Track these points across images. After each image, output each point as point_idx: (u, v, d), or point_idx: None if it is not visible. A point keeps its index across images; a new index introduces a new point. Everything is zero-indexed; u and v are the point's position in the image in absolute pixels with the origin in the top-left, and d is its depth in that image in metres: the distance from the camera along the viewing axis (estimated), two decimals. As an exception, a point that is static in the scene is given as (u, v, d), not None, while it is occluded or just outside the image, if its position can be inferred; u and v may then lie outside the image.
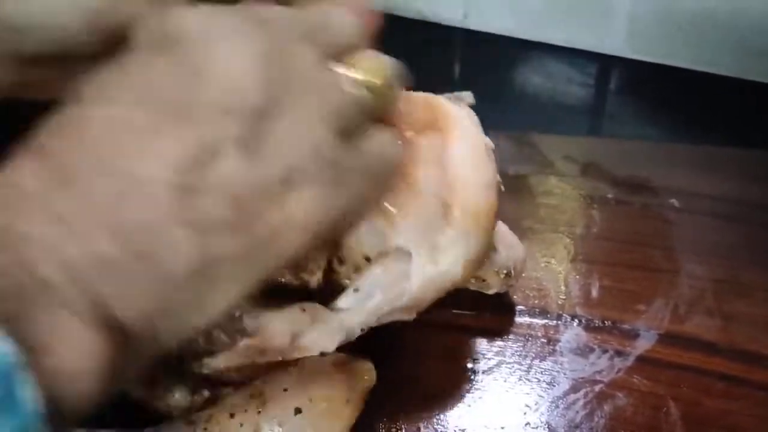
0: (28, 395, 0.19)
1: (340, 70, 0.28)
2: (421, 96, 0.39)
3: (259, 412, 0.36)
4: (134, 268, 0.23)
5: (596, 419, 0.42)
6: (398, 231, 0.38)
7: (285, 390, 0.37)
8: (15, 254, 0.22)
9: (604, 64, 0.84)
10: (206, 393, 0.39)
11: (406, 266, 0.38)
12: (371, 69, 0.29)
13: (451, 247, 0.37)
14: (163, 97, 0.25)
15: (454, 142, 0.39)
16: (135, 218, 0.24)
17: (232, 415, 0.37)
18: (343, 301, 0.39)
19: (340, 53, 0.29)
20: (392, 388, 0.41)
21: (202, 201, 0.24)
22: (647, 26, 0.81)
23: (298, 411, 0.36)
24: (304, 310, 0.38)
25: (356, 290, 0.39)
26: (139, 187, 0.24)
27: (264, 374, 0.38)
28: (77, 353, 0.22)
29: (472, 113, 0.42)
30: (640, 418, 0.42)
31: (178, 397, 0.39)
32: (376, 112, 0.30)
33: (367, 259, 0.39)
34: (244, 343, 0.37)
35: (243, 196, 0.25)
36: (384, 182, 0.31)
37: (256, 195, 0.25)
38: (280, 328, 0.38)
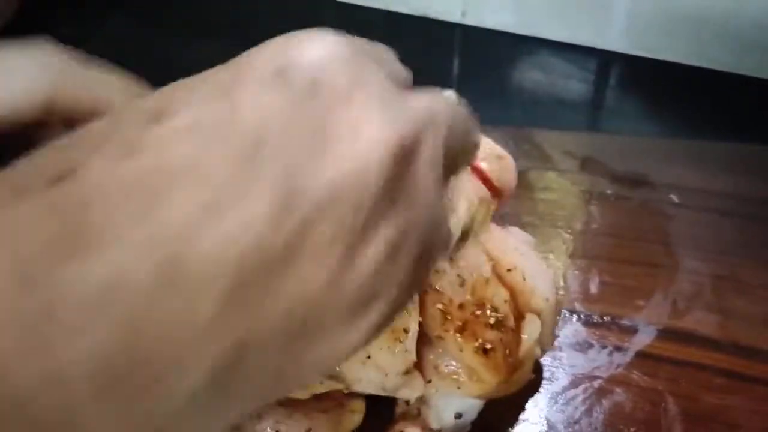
0: None
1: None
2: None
3: None
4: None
5: (595, 415, 0.42)
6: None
7: (263, 428, 0.36)
8: None
9: (603, 59, 0.84)
10: None
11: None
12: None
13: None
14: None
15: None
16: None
17: None
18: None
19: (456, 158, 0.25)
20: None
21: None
22: (646, 22, 0.81)
23: None
24: None
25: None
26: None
27: None
28: None
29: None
30: (639, 414, 0.42)
31: None
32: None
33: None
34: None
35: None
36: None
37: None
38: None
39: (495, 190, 0.46)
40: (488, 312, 0.37)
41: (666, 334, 0.47)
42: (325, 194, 0.19)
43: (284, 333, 0.19)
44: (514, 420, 0.42)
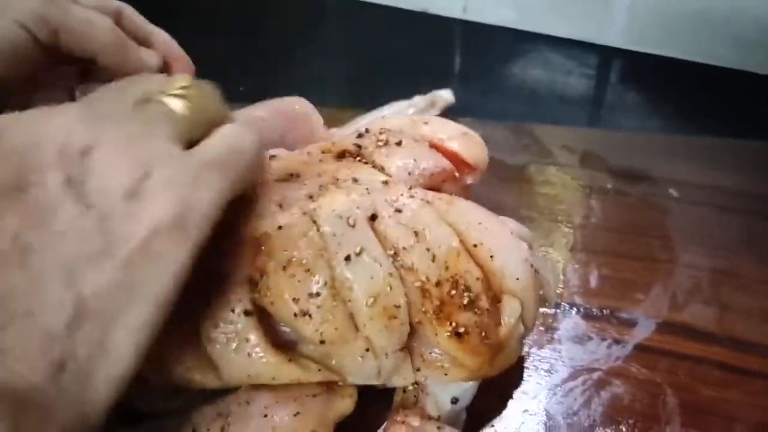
0: None
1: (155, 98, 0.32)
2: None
3: None
4: (12, 333, 0.23)
5: (594, 407, 0.42)
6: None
7: (251, 413, 0.36)
8: None
9: (603, 55, 0.84)
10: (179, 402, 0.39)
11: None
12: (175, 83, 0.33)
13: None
14: None
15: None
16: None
17: None
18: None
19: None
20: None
21: (55, 247, 0.25)
22: (647, 18, 0.81)
23: None
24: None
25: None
26: None
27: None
28: None
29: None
30: (637, 406, 0.42)
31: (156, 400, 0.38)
32: (203, 114, 0.33)
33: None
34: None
35: (92, 225, 0.25)
36: (238, 164, 0.32)
37: (104, 218, 0.26)
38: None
39: (467, 165, 0.45)
40: (462, 291, 0.36)
41: (665, 327, 0.47)
42: None
43: None
44: (513, 411, 0.42)
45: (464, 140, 0.45)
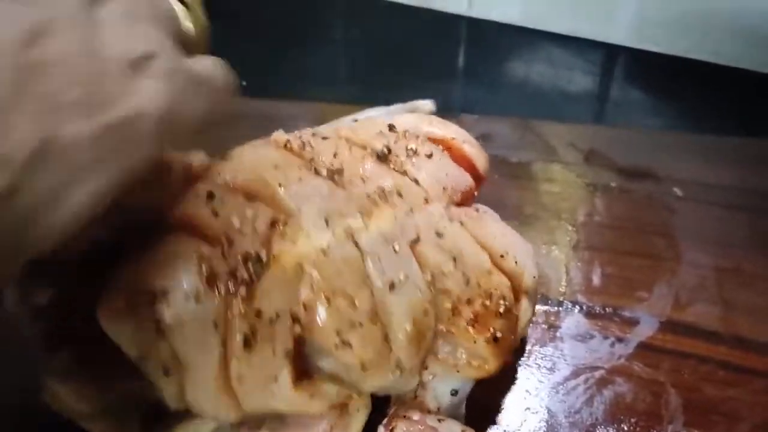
0: None
1: None
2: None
3: None
4: None
5: (596, 405, 0.42)
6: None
7: None
8: None
9: (608, 52, 0.84)
10: None
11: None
12: None
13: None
14: None
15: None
16: None
17: None
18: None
19: None
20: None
21: (47, 79, 0.23)
22: (652, 16, 0.81)
23: None
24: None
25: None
26: None
27: None
28: None
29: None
30: (640, 405, 0.42)
31: None
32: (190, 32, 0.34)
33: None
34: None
35: (90, 74, 0.25)
36: (218, 91, 0.31)
37: (103, 73, 0.25)
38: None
39: (477, 174, 0.45)
40: (498, 301, 0.37)
41: (668, 325, 0.47)
42: None
43: None
44: (515, 409, 0.42)
45: (476, 149, 0.46)
